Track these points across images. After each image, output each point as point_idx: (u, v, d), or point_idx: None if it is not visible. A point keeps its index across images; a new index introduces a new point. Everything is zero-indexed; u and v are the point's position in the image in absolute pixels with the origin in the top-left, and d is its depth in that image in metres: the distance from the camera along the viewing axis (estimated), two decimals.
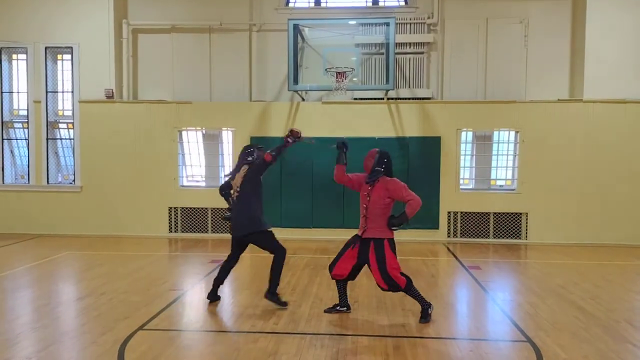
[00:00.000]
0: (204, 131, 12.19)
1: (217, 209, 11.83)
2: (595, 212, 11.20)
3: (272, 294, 6.44)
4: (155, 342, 5.31)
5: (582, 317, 6.20)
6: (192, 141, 12.26)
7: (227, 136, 12.13)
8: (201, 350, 5.21)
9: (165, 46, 12.35)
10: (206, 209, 11.90)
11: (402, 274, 5.86)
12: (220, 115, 11.87)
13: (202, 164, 12.31)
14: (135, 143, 11.90)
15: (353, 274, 6.14)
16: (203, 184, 12.29)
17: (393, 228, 5.88)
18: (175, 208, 11.96)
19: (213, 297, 6.75)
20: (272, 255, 6.53)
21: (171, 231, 11.97)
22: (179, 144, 12.01)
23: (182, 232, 11.97)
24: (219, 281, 6.76)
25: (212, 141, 12.29)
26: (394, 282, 5.79)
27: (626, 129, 11.11)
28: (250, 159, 6.55)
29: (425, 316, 5.96)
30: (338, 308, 6.30)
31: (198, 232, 11.94)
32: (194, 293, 7.39)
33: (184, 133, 12.17)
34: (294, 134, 6.39)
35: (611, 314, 6.34)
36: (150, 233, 11.87)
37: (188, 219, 11.96)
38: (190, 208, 11.93)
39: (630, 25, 11.16)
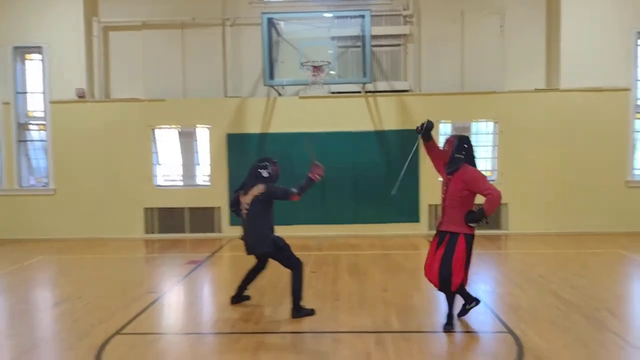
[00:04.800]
0: (178, 129, 11.98)
1: (195, 208, 11.67)
2: (574, 200, 11.27)
3: (297, 311, 6.03)
4: (133, 346, 5.17)
5: (563, 306, 6.20)
6: (167, 139, 12.04)
7: (202, 133, 11.94)
8: (180, 353, 5.09)
9: (136, 43, 12.09)
10: (183, 208, 11.71)
11: (462, 283, 5.40)
12: (194, 112, 11.68)
13: (177, 162, 12.11)
14: (108, 143, 11.65)
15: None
16: (180, 183, 12.10)
17: (470, 225, 5.35)
18: (151, 208, 11.74)
19: (237, 300, 6.52)
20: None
21: (148, 232, 11.76)
22: (153, 143, 11.79)
23: (159, 233, 11.76)
24: (242, 285, 6.51)
25: (187, 139, 12.09)
26: (449, 280, 5.29)
27: (603, 117, 11.18)
28: (266, 175, 6.02)
29: (448, 325, 5.48)
30: (467, 307, 5.67)
31: (175, 232, 11.74)
32: (172, 295, 7.23)
33: (158, 131, 11.95)
34: (320, 170, 5.93)
35: (592, 302, 6.35)
36: (126, 235, 11.65)
37: (165, 220, 11.75)
38: (167, 208, 11.73)
39: (606, 12, 11.22)
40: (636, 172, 11.53)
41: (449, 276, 5.30)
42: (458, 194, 5.35)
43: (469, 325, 5.68)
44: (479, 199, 5.32)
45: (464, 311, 5.74)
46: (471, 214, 5.33)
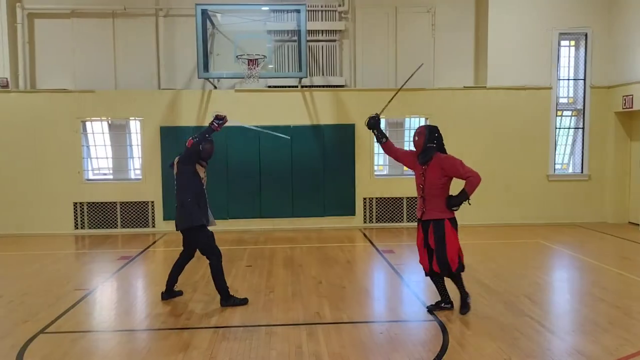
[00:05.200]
0: (109, 121, 11.62)
1: (127, 202, 11.37)
2: (498, 193, 11.75)
3: (225, 299, 6.11)
4: (58, 345, 5.01)
5: (486, 294, 6.50)
6: (97, 132, 11.65)
7: (134, 126, 11.63)
8: (108, 351, 4.98)
9: (65, 32, 11.61)
10: (115, 203, 11.37)
11: (460, 259, 5.64)
12: (126, 104, 11.34)
13: (109, 155, 11.74)
14: (35, 135, 11.15)
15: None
16: (111, 177, 11.75)
17: (453, 209, 5.57)
18: (81, 203, 11.33)
19: (168, 295, 6.42)
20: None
21: (77, 228, 11.35)
22: (82, 136, 11.39)
23: (90, 228, 11.38)
24: (170, 279, 6.40)
25: (119, 132, 11.75)
26: (448, 264, 5.56)
27: (527, 114, 11.73)
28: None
29: (465, 306, 5.75)
30: (442, 305, 5.87)
31: (107, 227, 11.40)
32: (102, 292, 7.05)
33: (88, 124, 11.55)
34: (218, 118, 5.94)
35: (512, 290, 6.70)
36: (54, 230, 11.21)
37: (95, 215, 11.38)
38: (98, 203, 11.35)
39: (530, 14, 11.72)
40: (557, 167, 12.18)
41: (446, 259, 5.55)
42: (437, 181, 5.55)
43: (399, 315, 5.87)
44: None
45: (436, 307, 5.91)
46: (453, 199, 5.56)
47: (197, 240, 6.15)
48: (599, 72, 11.86)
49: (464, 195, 5.48)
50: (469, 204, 5.61)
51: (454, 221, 5.62)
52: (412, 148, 5.85)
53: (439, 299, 5.95)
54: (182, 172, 6.08)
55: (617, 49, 11.66)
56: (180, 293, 6.55)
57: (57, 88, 11.40)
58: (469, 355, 4.67)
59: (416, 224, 5.90)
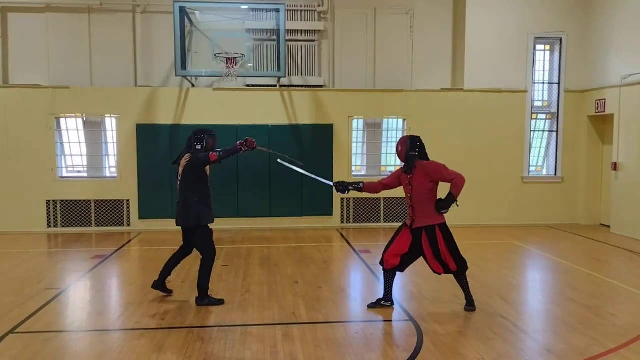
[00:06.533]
0: (84, 118, 11.44)
1: (101, 201, 11.22)
2: (473, 194, 11.80)
3: (201, 299, 6.11)
4: (28, 345, 4.93)
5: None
6: (72, 129, 11.46)
7: (110, 123, 11.47)
8: (79, 351, 4.91)
9: (39, 27, 11.39)
10: (89, 201, 11.20)
11: (460, 258, 5.81)
12: (102, 101, 11.17)
13: (83, 153, 11.56)
14: (7, 131, 10.92)
15: (403, 265, 5.89)
16: (85, 174, 11.57)
17: (442, 212, 5.71)
18: (54, 201, 11.14)
19: (159, 287, 6.39)
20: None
21: (50, 226, 11.16)
22: (56, 132, 11.19)
23: (63, 226, 11.19)
24: (164, 271, 6.37)
25: (94, 129, 11.57)
26: (447, 266, 5.77)
27: (503, 117, 11.87)
28: (199, 146, 6.10)
29: (470, 303, 5.95)
30: (382, 303, 6.02)
31: (80, 226, 11.22)
32: (74, 291, 6.95)
33: (62, 120, 11.36)
34: (249, 144, 5.96)
35: (486, 290, 6.78)
36: (26, 229, 11.00)
37: (69, 213, 11.19)
38: (71, 200, 11.17)
39: (507, 18, 11.85)
40: (531, 169, 12.36)
41: (445, 263, 5.76)
42: (424, 188, 5.70)
43: (374, 315, 5.89)
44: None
45: (376, 304, 6.05)
46: (441, 202, 5.70)
47: (199, 238, 6.17)
48: (572, 76, 12.06)
49: (451, 198, 5.63)
50: (457, 206, 5.76)
51: (444, 225, 5.76)
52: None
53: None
54: (193, 174, 6.07)
55: (590, 54, 11.87)
56: (170, 292, 6.49)
57: (31, 83, 11.19)
58: (443, 355, 4.71)
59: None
